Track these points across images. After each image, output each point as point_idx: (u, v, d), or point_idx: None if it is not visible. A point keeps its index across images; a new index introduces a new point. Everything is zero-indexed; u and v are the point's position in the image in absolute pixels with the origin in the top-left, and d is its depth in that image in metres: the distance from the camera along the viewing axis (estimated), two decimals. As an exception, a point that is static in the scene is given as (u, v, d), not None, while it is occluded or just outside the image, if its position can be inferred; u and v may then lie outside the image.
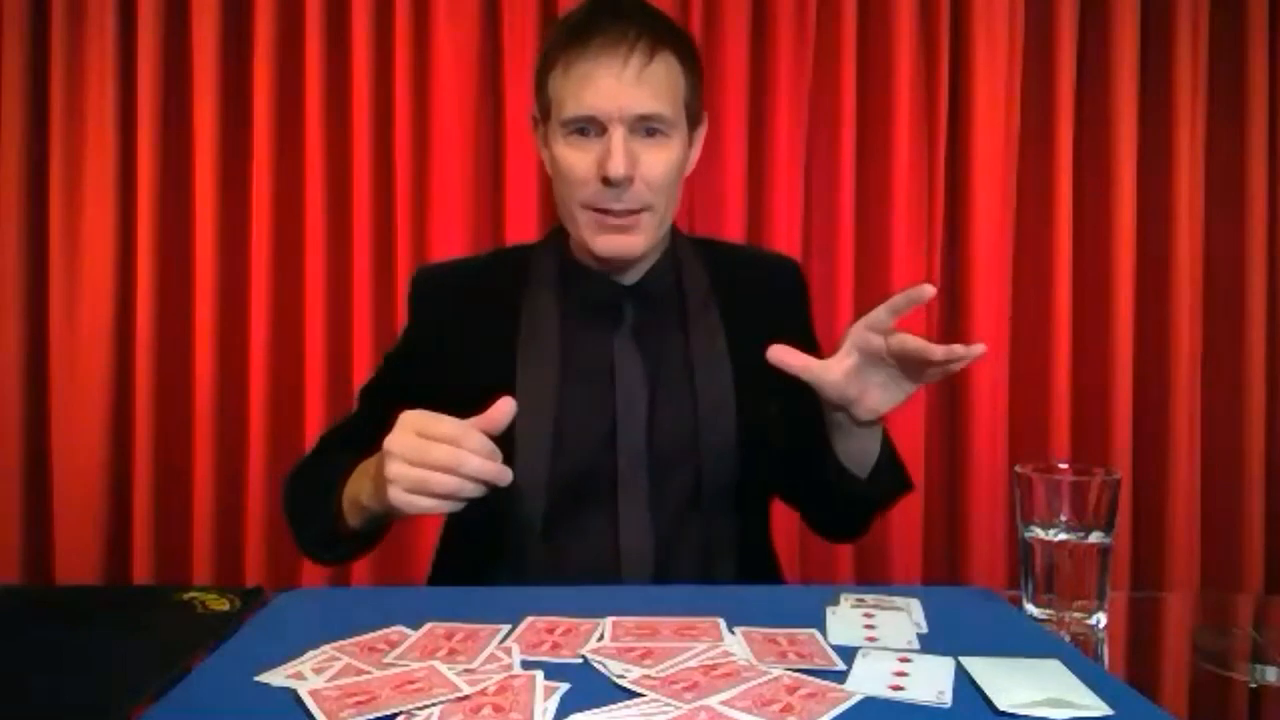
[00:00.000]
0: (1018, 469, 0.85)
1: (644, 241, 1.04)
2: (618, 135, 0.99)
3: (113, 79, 1.94)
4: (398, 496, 0.82)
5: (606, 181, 0.99)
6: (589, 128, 1.01)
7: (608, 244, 1.03)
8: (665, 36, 1.02)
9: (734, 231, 1.95)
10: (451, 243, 1.94)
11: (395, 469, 0.82)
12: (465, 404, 1.09)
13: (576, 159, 1.01)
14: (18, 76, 1.93)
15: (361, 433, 0.99)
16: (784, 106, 1.97)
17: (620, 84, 0.98)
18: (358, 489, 0.93)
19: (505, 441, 1.00)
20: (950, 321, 2.05)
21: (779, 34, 1.97)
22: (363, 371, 1.93)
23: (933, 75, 2.00)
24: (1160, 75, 2.02)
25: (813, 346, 1.22)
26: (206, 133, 1.94)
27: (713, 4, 1.97)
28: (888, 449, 1.00)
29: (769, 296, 1.17)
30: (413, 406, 1.08)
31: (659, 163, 1.02)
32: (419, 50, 1.96)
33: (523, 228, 1.94)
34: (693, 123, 1.08)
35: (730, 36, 1.96)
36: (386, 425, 0.92)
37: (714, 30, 1.97)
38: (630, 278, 1.10)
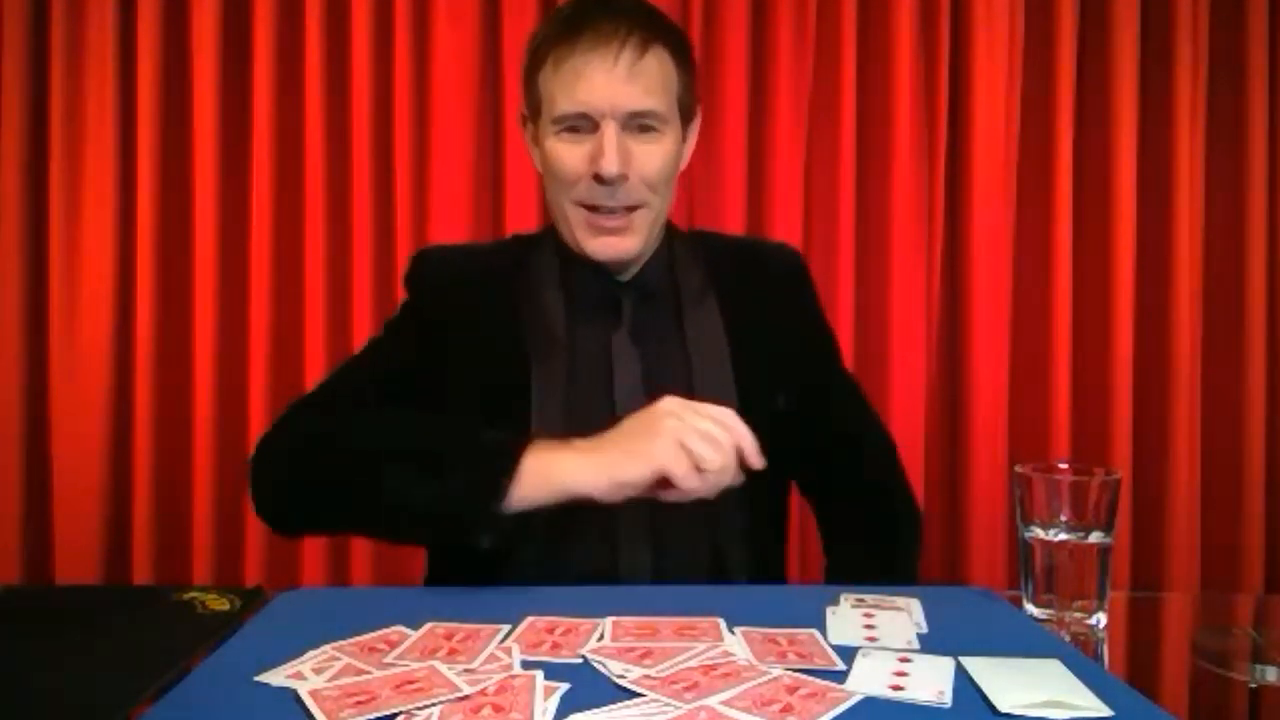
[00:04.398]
0: (1018, 469, 0.85)
1: (638, 242, 1.04)
2: (610, 132, 0.97)
3: (113, 79, 1.94)
4: (667, 452, 0.81)
5: (599, 179, 0.98)
6: (581, 124, 0.99)
7: (601, 247, 1.03)
8: (657, 31, 1.01)
9: (733, 231, 1.95)
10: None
11: (678, 423, 0.82)
12: (477, 397, 1.04)
13: (568, 155, 1.00)
14: (18, 76, 1.93)
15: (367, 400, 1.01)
16: (784, 106, 1.97)
17: (612, 79, 0.97)
18: (547, 466, 0.85)
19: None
20: (950, 322, 2.05)
21: (779, 34, 1.96)
22: (363, 371, 1.93)
23: (933, 75, 1.99)
24: (1160, 75, 2.02)
25: (821, 334, 1.20)
26: (206, 133, 1.94)
27: (712, 4, 1.97)
28: None
29: (769, 285, 1.15)
30: (418, 388, 1.06)
31: (653, 159, 1.00)
32: (419, 50, 1.96)
33: (522, 227, 1.94)
34: (686, 117, 1.06)
35: (730, 36, 1.96)
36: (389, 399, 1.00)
37: (714, 30, 1.97)
38: (627, 274, 1.09)
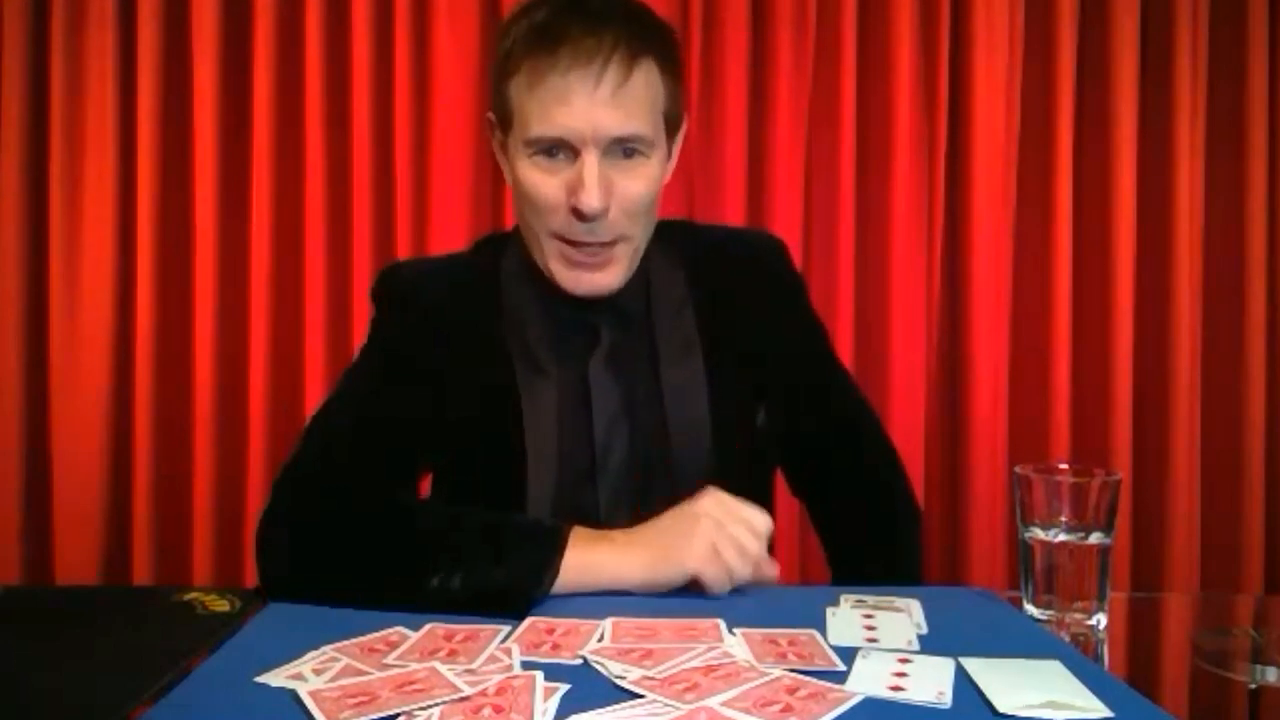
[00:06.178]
0: (1018, 469, 0.85)
1: (618, 275, 0.97)
2: (591, 162, 0.89)
3: (113, 79, 1.94)
4: (701, 559, 0.83)
5: (578, 214, 0.91)
6: (557, 150, 0.91)
7: (578, 282, 0.96)
8: (643, 40, 0.92)
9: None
10: (452, 243, 1.93)
11: (714, 527, 0.84)
12: (472, 426, 1.02)
13: (543, 184, 0.92)
14: (18, 76, 1.93)
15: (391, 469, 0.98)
16: (784, 106, 1.97)
17: (594, 103, 0.88)
18: (589, 561, 0.84)
19: (517, 468, 0.97)
20: (950, 322, 2.05)
21: (779, 34, 1.97)
22: (363, 371, 1.93)
23: (933, 75, 2.00)
24: (1160, 75, 2.02)
25: (812, 333, 1.15)
26: (206, 133, 1.94)
27: (712, 4, 1.97)
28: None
29: (757, 291, 1.09)
30: (422, 426, 1.02)
31: (636, 187, 0.93)
32: (419, 50, 1.96)
33: (523, 228, 1.94)
34: (673, 130, 0.98)
35: (730, 37, 1.96)
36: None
37: (714, 31, 1.97)
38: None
